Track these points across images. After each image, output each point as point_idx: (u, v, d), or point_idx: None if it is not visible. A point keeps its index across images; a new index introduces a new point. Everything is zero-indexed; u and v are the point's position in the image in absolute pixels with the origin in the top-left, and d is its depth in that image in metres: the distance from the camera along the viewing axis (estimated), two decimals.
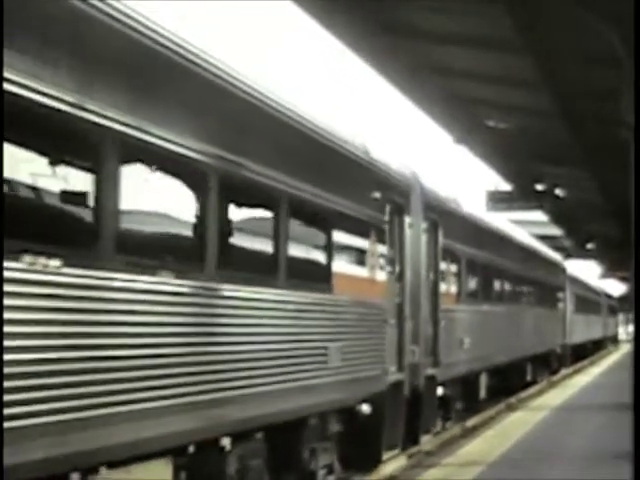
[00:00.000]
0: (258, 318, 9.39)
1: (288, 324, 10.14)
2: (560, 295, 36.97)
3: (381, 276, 13.25)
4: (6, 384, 5.73)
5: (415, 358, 15.08)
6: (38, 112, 6.17)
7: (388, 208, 13.61)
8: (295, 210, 10.15)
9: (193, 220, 8.26)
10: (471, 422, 19.62)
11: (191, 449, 8.17)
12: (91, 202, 6.72)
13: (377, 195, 13.07)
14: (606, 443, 16.20)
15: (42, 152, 6.37)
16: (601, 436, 17.58)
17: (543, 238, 37.67)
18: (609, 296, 71.95)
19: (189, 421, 7.93)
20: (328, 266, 11.27)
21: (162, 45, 7.69)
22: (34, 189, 6.26)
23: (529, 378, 29.39)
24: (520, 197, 27.28)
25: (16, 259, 5.88)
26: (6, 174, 5.88)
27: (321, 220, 11.15)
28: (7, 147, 5.86)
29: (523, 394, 26.91)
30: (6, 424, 5.72)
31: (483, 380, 21.86)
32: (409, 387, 14.77)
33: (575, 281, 43.76)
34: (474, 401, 21.13)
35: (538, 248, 32.46)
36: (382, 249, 13.29)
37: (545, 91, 16.43)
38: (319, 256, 11.21)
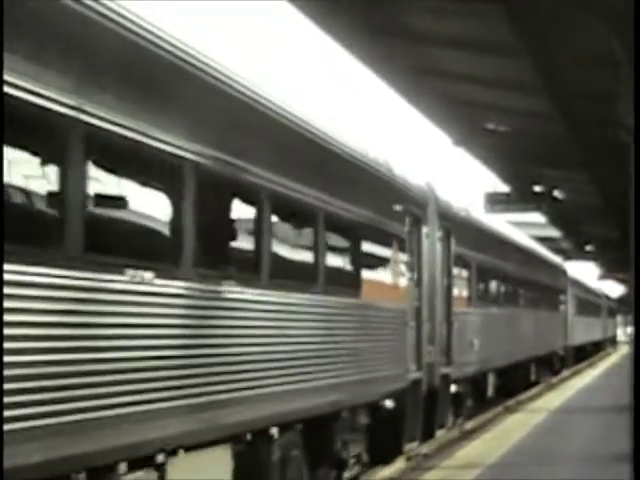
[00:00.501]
0: (300, 322, 10.59)
1: (325, 327, 11.31)
2: (562, 298, 38.09)
3: (402, 282, 14.57)
4: (122, 381, 6.99)
5: (431, 358, 16.31)
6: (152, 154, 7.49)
7: (408, 220, 14.92)
8: (330, 224, 11.31)
9: (253, 235, 9.52)
10: (470, 424, 19.63)
11: (248, 437, 9.33)
12: (176, 224, 7.96)
13: (399, 208, 14.46)
14: (605, 445, 16.21)
15: (147, 184, 7.71)
16: (600, 438, 17.59)
17: (541, 240, 37.69)
18: (608, 298, 72.09)
19: (247, 413, 9.15)
20: (358, 273, 12.47)
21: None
22: (135, 215, 7.56)
23: (533, 378, 30.32)
24: (518, 199, 27.29)
25: (121, 273, 7.10)
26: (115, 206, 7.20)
27: (352, 233, 12.36)
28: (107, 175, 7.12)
29: (522, 396, 26.93)
30: (115, 410, 6.94)
31: (490, 379, 23.04)
32: (426, 385, 15.99)
33: (576, 284, 44.93)
34: (482, 399, 22.24)
35: (541, 252, 33.71)
36: (403, 257, 14.63)
37: (543, 93, 16.43)
38: (350, 265, 12.44)
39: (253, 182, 9.30)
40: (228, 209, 9.14)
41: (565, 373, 37.62)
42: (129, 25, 7.32)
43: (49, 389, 6.18)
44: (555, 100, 16.82)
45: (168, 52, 7.88)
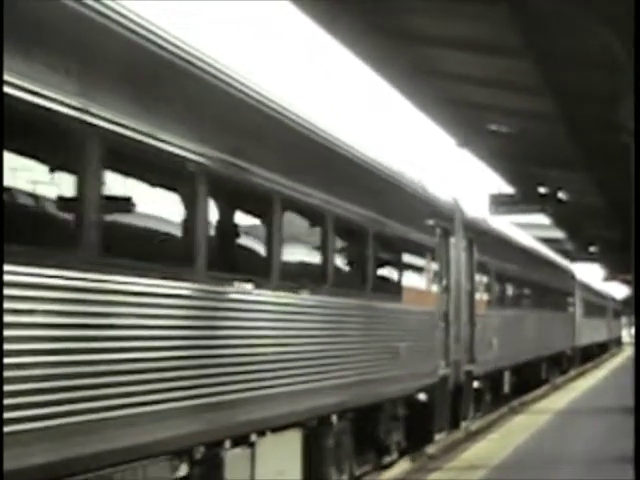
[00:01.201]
0: (354, 324, 12.25)
1: (372, 328, 12.97)
2: (570, 300, 39.78)
3: (433, 288, 16.35)
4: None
5: (457, 356, 17.97)
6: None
7: (438, 232, 16.66)
8: (377, 239, 12.97)
9: (315, 248, 11.16)
10: (474, 425, 19.64)
11: (314, 422, 11.05)
12: (266, 242, 9.61)
13: (431, 222, 16.16)
14: (610, 447, 16.21)
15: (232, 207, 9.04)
16: (605, 440, 17.58)
17: (546, 241, 37.68)
18: (613, 300, 72.15)
19: (313, 402, 10.75)
20: (399, 281, 14.26)
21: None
22: (233, 231, 9.17)
23: (543, 376, 31.90)
24: (523, 200, 27.29)
25: (231, 284, 8.79)
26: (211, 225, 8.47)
27: (395, 246, 14.07)
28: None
29: (526, 397, 26.95)
30: (225, 397, 8.55)
31: (507, 377, 24.68)
32: (453, 380, 17.70)
33: (583, 286, 46.35)
34: (499, 395, 23.82)
35: (551, 256, 35.47)
36: (434, 266, 16.39)
37: (547, 95, 16.45)
38: (393, 273, 14.20)
39: (319, 205, 10.96)
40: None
41: (572, 373, 38.43)
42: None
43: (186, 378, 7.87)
44: (558, 102, 16.84)
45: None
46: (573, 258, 44.99)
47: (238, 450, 9.03)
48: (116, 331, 6.94)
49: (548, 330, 32.10)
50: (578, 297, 42.61)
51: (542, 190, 26.92)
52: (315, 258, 11.11)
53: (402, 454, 14.97)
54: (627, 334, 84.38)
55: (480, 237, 20.39)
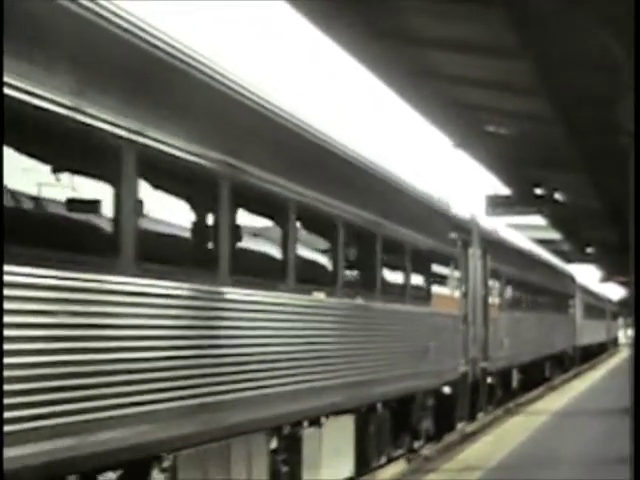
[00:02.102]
0: (396, 327, 14.41)
1: (410, 329, 15.20)
2: (571, 302, 42.11)
3: (455, 294, 18.77)
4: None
5: (474, 354, 20.25)
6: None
7: (459, 244, 19.06)
8: (411, 252, 15.13)
9: (369, 263, 13.30)
10: (470, 427, 19.64)
11: (363, 410, 13.17)
12: (329, 255, 11.74)
13: (453, 236, 18.52)
14: (606, 448, 16.21)
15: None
16: (601, 441, 17.58)
17: (542, 242, 37.70)
18: (610, 301, 72.61)
19: (364, 392, 12.86)
20: (428, 287, 16.42)
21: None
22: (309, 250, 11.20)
23: (547, 374, 34.24)
24: (519, 201, 27.29)
25: (309, 294, 10.94)
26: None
27: (426, 257, 16.18)
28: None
29: (522, 399, 26.98)
30: (302, 385, 10.56)
31: (515, 374, 27.10)
32: (471, 376, 19.97)
33: (583, 289, 48.86)
34: (508, 391, 26.04)
35: (553, 262, 37.93)
36: (456, 274, 18.81)
37: (544, 97, 16.45)
38: (424, 280, 16.26)
39: (370, 227, 13.10)
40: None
41: (572, 372, 40.13)
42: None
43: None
44: (555, 103, 16.84)
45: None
46: (570, 259, 45.04)
47: (312, 429, 11.21)
48: (219, 331, 8.68)
49: (551, 331, 34.31)
50: (578, 299, 44.63)
51: (539, 191, 26.92)
52: (369, 273, 13.32)
53: (429, 439, 17.06)
54: (623, 335, 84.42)
55: (492, 247, 22.71)
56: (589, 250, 44.05)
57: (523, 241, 30.66)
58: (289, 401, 10.22)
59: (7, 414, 5.77)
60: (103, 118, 6.85)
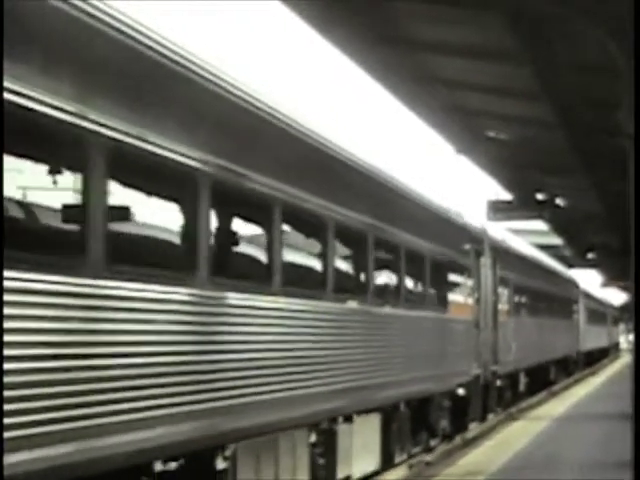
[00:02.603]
0: (419, 332, 15.60)
1: (431, 334, 16.42)
2: (575, 308, 43.53)
3: (469, 301, 19.98)
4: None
5: (485, 358, 21.32)
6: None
7: (472, 254, 20.26)
8: (431, 263, 16.32)
9: (394, 273, 14.49)
10: (472, 432, 19.63)
11: (388, 409, 14.32)
12: (359, 265, 12.95)
13: (467, 246, 19.83)
14: (608, 453, 16.19)
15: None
16: (602, 446, 17.57)
17: (544, 247, 37.69)
18: (612, 307, 72.68)
19: (389, 393, 13.98)
20: (445, 295, 17.60)
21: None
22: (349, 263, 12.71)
23: (552, 378, 35.35)
24: (521, 206, 27.28)
25: (344, 302, 12.09)
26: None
27: (445, 267, 17.52)
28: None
29: (524, 404, 26.96)
30: (336, 386, 11.57)
31: (522, 377, 28.27)
32: (483, 378, 21.06)
33: (587, 295, 50.12)
34: (516, 393, 27.25)
35: (558, 269, 39.20)
36: (469, 282, 20.03)
37: (545, 101, 16.45)
38: (443, 288, 17.46)
39: (396, 241, 14.33)
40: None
41: (575, 377, 41.03)
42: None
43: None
44: (556, 108, 16.84)
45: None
46: (571, 264, 45.00)
47: (345, 425, 12.30)
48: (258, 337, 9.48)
49: (556, 336, 35.56)
50: (581, 305, 45.87)
51: (540, 196, 26.92)
52: (394, 283, 14.48)
53: (445, 438, 18.09)
54: (625, 340, 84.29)
55: (501, 255, 23.98)
56: (590, 255, 44.02)
57: (529, 249, 31.83)
58: (326, 400, 11.37)
59: (117, 406, 6.99)
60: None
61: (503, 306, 24.50)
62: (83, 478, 6.66)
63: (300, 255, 11.01)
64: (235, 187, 8.95)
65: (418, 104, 18.97)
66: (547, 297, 33.60)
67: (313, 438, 11.31)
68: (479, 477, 14.09)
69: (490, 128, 20.90)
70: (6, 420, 5.83)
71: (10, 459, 5.80)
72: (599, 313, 60.49)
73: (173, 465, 8.31)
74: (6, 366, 5.85)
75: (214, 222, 8.63)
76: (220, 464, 8.84)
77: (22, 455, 5.95)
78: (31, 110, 6.19)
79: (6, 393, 5.85)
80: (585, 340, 46.55)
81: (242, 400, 9.03)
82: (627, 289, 56.97)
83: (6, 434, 5.81)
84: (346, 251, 12.49)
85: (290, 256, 10.29)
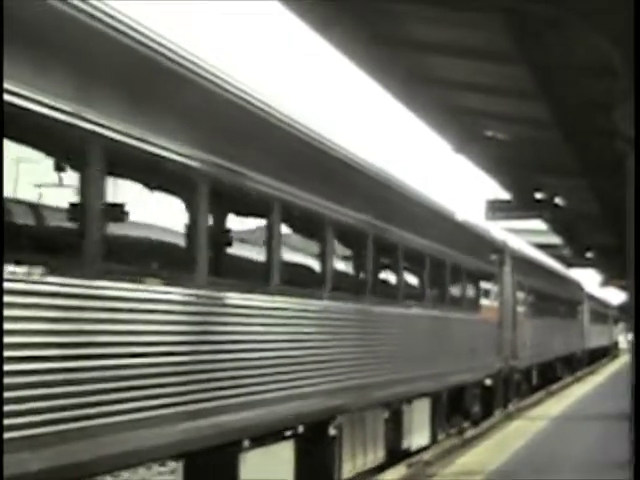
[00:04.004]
0: (458, 330, 18.45)
1: (466, 333, 19.32)
2: (579, 309, 46.47)
3: (494, 304, 23.31)
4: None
5: (506, 354, 24.41)
6: None
7: (497, 263, 23.78)
8: (467, 273, 19.38)
9: (436, 281, 16.99)
10: (470, 432, 19.65)
11: (435, 395, 17.24)
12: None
13: (493, 257, 23.35)
14: (606, 453, 16.21)
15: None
16: (601, 446, 17.59)
17: (542, 247, 37.68)
18: (612, 307, 73.19)
19: (436, 382, 16.81)
20: (477, 299, 20.89)
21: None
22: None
23: (559, 374, 38.36)
24: (519, 206, 27.27)
25: (410, 308, 14.96)
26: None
27: (477, 276, 20.74)
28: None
29: (522, 404, 26.99)
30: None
31: (534, 373, 31.42)
32: (504, 372, 24.19)
33: (590, 297, 53.34)
34: (529, 386, 30.23)
35: (565, 273, 42.36)
36: (494, 288, 23.36)
37: (543, 101, 16.46)
38: (475, 293, 20.74)
39: (441, 257, 17.12)
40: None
41: (580, 372, 43.59)
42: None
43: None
44: (554, 108, 16.85)
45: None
46: (570, 264, 45.01)
47: (407, 406, 15.28)
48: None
49: (564, 335, 38.94)
50: (586, 306, 48.89)
51: (539, 196, 26.91)
52: (442, 290, 17.46)
53: (474, 422, 20.88)
54: (624, 339, 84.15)
55: (518, 263, 26.97)
56: (589, 254, 44.03)
57: (541, 256, 35.13)
58: (396, 386, 14.30)
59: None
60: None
61: (520, 308, 27.47)
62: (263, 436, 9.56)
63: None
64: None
65: (416, 104, 18.97)
66: (556, 299, 36.70)
67: (386, 415, 14.30)
68: (477, 477, 14.12)
69: (488, 128, 20.91)
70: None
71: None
72: (601, 313, 63.28)
73: (308, 429, 11.01)
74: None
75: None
76: (332, 430, 11.96)
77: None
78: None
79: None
80: (589, 339, 49.42)
81: (345, 384, 12.13)
82: (626, 288, 56.93)
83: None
84: (410, 266, 15.58)
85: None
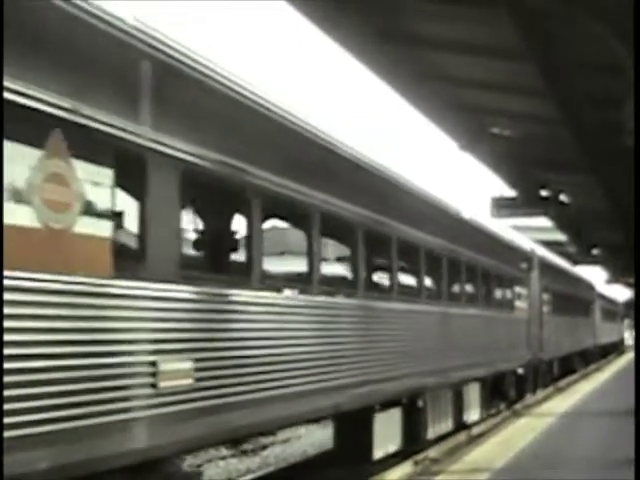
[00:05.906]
0: (499, 327, 22.31)
1: (505, 329, 23.14)
2: (592, 307, 49.84)
3: (525, 305, 26.44)
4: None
5: (534, 346, 27.63)
6: None
7: (526, 270, 26.78)
8: (504, 278, 23.09)
9: (473, 285, 19.99)
10: (478, 429, 19.65)
11: (483, 380, 20.83)
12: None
13: (524, 265, 26.59)
14: (613, 450, 16.19)
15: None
16: (608, 442, 17.56)
17: (548, 244, 37.66)
18: (619, 304, 73.55)
19: (484, 369, 20.35)
20: (512, 300, 24.47)
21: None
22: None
23: (575, 367, 41.26)
24: (525, 203, 27.27)
25: (460, 307, 18.45)
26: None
27: (512, 281, 24.44)
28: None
29: (528, 401, 26.99)
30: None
31: (555, 364, 34.74)
32: (533, 362, 27.60)
33: (601, 296, 57.22)
34: (551, 377, 33.47)
35: (580, 274, 45.62)
36: (524, 291, 26.44)
37: (549, 98, 16.46)
38: (510, 295, 24.36)
39: (475, 263, 19.85)
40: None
41: (593, 366, 45.58)
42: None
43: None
44: (560, 105, 16.85)
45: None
46: (576, 261, 44.98)
47: (465, 387, 19.04)
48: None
49: (579, 331, 42.63)
50: (597, 305, 52.41)
51: (544, 193, 26.90)
52: (486, 292, 20.85)
53: (510, 405, 23.92)
54: (629, 336, 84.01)
55: (543, 268, 30.35)
56: (595, 251, 44.00)
57: (560, 261, 38.27)
58: (458, 371, 17.79)
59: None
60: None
61: (545, 308, 31.01)
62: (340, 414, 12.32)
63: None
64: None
65: (422, 101, 18.98)
66: (573, 299, 40.39)
67: (451, 394, 17.73)
68: (484, 474, 14.09)
69: (494, 125, 20.91)
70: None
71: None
72: (610, 311, 66.30)
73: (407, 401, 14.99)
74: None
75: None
76: (420, 403, 15.66)
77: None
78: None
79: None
80: (601, 335, 53.37)
81: (429, 368, 15.89)
82: (632, 285, 57.01)
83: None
84: (469, 277, 19.22)
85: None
